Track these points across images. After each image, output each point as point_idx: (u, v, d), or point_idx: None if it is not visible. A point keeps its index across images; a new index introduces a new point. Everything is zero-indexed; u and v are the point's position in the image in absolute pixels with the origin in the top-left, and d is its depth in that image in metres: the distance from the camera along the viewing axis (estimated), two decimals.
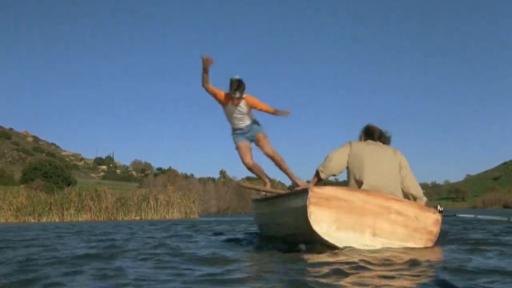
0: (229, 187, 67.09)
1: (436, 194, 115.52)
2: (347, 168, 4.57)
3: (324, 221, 3.85)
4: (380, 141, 4.73)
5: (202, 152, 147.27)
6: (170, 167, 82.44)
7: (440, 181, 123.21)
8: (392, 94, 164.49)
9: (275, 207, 4.75)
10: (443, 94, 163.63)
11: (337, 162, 4.54)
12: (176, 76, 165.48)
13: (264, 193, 5.90)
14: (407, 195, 4.55)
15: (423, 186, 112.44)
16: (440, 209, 4.55)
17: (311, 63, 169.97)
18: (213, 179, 79.74)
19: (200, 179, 70.56)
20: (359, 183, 4.37)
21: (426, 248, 4.16)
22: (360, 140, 4.85)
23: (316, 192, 3.87)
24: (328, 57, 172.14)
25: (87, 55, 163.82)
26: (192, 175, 79.81)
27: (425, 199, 4.61)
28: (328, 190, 3.92)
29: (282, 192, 5.10)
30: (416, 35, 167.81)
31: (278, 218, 4.68)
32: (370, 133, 4.78)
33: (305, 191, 3.92)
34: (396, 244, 4.07)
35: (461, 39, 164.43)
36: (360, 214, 3.96)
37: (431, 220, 4.24)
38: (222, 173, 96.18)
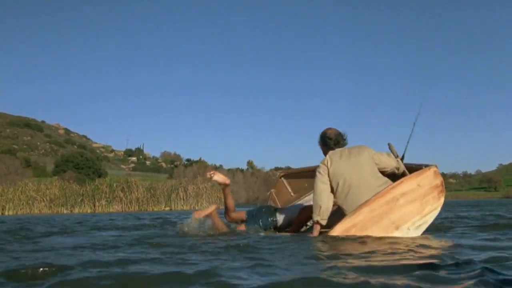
0: (257, 178, 67.28)
1: (467, 183, 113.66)
2: (331, 186, 4.48)
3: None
4: (338, 146, 4.68)
5: (229, 143, 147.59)
6: (200, 158, 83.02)
7: (471, 171, 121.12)
8: (422, 82, 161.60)
9: None
10: (472, 81, 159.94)
11: (327, 202, 4.43)
12: (204, 67, 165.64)
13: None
14: (393, 170, 4.60)
15: (454, 176, 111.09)
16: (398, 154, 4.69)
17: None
18: (242, 170, 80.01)
19: (229, 170, 70.86)
20: (355, 202, 4.33)
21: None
22: (321, 147, 4.82)
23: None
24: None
25: (115, 46, 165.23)
26: (221, 166, 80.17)
27: (398, 157, 4.67)
28: (338, 229, 4.13)
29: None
30: (448, 18, 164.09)
31: None
32: (327, 143, 4.72)
33: None
34: (417, 218, 4.24)
35: (492, 23, 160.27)
36: (375, 222, 4.15)
37: (431, 177, 4.34)
38: (250, 163, 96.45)
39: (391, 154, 4.64)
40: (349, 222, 4.15)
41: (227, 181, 5.46)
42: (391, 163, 4.58)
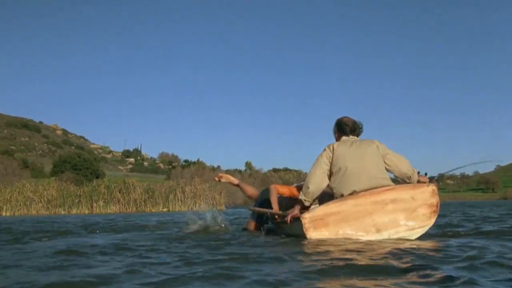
0: (255, 179, 67.28)
1: (465, 185, 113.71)
2: (331, 171, 4.41)
3: (326, 238, 4.05)
4: (354, 134, 4.64)
5: (228, 144, 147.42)
6: (198, 159, 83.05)
7: (469, 172, 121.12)
8: (422, 82, 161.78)
9: (284, 227, 4.81)
10: (472, 81, 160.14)
11: (317, 185, 4.38)
12: (204, 67, 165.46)
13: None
14: (403, 177, 4.54)
15: (452, 177, 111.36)
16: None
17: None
18: (240, 171, 79.98)
19: (227, 171, 70.83)
20: (347, 188, 4.28)
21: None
22: (334, 134, 4.77)
23: (308, 218, 4.07)
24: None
25: (115, 46, 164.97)
26: (219, 167, 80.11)
27: (416, 170, 4.60)
28: (318, 211, 4.11)
29: (282, 214, 5.02)
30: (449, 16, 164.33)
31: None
32: (343, 129, 4.65)
33: (298, 219, 4.17)
34: (402, 230, 4.18)
35: (491, 23, 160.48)
36: (357, 218, 4.10)
37: (427, 194, 4.28)
38: (248, 164, 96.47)
39: (407, 161, 4.54)
40: (332, 208, 4.11)
41: (235, 181, 6.11)
42: (401, 168, 4.49)
